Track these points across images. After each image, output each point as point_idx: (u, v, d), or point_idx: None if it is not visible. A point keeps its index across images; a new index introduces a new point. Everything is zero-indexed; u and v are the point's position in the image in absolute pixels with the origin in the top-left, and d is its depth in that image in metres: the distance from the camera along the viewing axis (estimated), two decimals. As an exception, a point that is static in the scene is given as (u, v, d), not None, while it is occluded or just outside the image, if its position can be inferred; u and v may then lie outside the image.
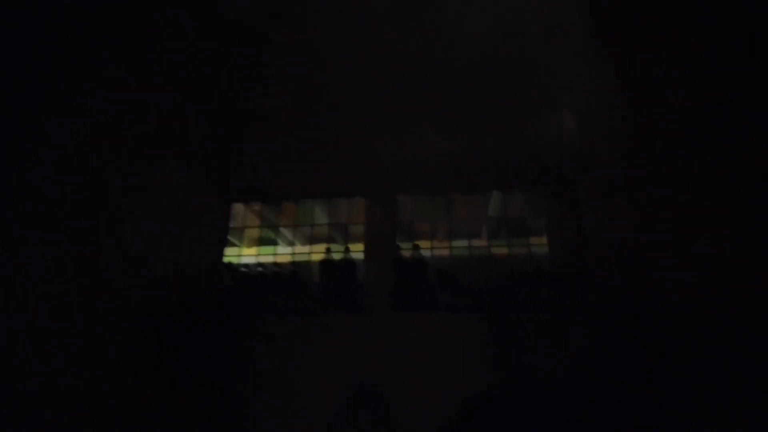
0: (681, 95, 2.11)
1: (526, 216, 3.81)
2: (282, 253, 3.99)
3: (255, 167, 3.91)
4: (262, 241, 4.03)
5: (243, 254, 4.00)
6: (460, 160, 3.65)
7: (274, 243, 4.08)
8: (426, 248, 3.69)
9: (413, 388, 2.95)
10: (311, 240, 3.98)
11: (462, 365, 2.97)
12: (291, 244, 4.10)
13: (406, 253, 3.41)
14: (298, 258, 3.89)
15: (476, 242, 3.82)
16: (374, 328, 3.17)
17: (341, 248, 3.54)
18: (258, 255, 3.97)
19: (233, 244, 4.04)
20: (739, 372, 1.73)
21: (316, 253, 3.81)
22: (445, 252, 3.73)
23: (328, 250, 3.45)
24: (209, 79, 3.43)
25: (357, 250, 3.70)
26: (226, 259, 3.82)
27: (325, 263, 3.40)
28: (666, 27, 2.15)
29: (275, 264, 3.62)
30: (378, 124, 3.70)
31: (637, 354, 2.59)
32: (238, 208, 4.11)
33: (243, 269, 3.60)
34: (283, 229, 4.10)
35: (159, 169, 3.27)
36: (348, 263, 3.39)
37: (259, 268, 3.60)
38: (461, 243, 3.76)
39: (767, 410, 1.58)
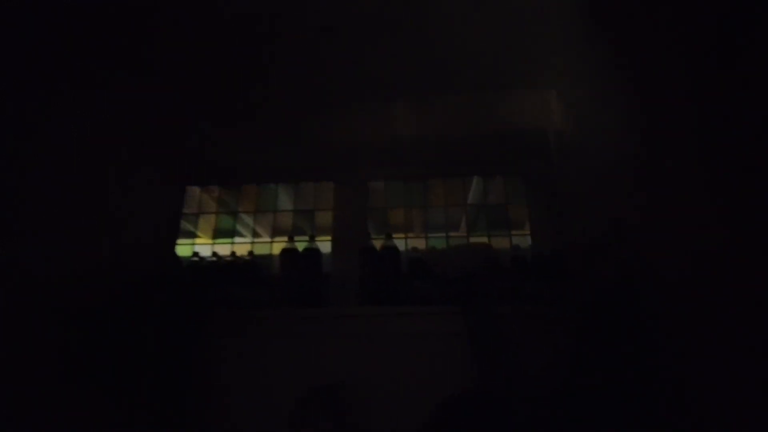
0: (681, 91, 1.94)
1: (508, 204, 3.55)
2: (241, 242, 3.63)
3: (213, 146, 3.59)
4: (219, 228, 3.68)
5: (197, 242, 3.64)
6: (439, 142, 3.40)
7: (232, 230, 3.73)
8: (399, 237, 3.40)
9: (383, 387, 2.66)
10: (273, 227, 3.65)
11: (438, 362, 2.69)
12: (251, 231, 3.75)
13: (378, 242, 3.09)
14: (258, 246, 3.54)
15: (455, 231, 3.55)
16: (341, 322, 2.85)
17: (306, 236, 3.21)
18: (214, 243, 3.62)
19: (187, 231, 3.69)
20: (739, 371, 1.57)
21: (279, 241, 3.49)
22: (421, 241, 3.44)
23: (291, 238, 3.11)
24: (166, 54, 3.11)
25: (323, 239, 3.39)
26: (178, 248, 3.51)
27: (288, 252, 3.06)
28: (668, 22, 1.99)
29: (233, 253, 3.26)
30: (349, 100, 3.42)
31: (629, 349, 2.31)
32: (194, 191, 3.76)
33: (197, 259, 3.23)
34: (243, 215, 3.74)
35: (101, 145, 2.97)
36: (313, 252, 3.06)
37: (215, 258, 3.24)
38: (438, 232, 3.49)
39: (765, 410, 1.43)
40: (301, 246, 3.09)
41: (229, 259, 3.18)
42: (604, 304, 2.52)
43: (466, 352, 2.61)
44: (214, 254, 3.24)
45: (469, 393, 2.54)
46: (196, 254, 3.24)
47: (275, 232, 3.63)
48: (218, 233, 3.67)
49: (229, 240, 3.61)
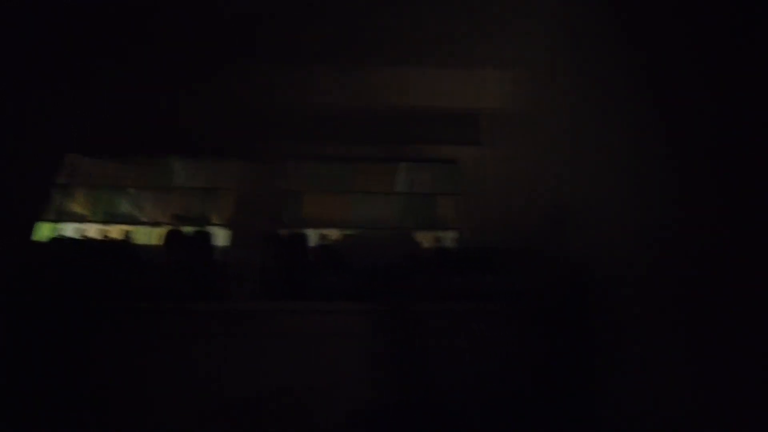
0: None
1: (437, 193, 3.27)
2: (123, 221, 3.09)
3: (100, 109, 3.03)
4: (99, 206, 3.11)
5: (73, 221, 3.06)
6: (366, 116, 3.04)
7: (116, 209, 3.18)
8: (315, 224, 3.01)
9: (287, 396, 2.29)
10: (167, 207, 3.12)
11: (351, 366, 2.34)
12: (140, 209, 3.21)
13: (287, 229, 2.69)
14: (147, 229, 3.02)
15: (378, 219, 3.21)
16: (238, 320, 2.42)
17: (202, 218, 2.73)
18: (92, 222, 3.05)
19: (60, 208, 3.11)
20: (694, 372, 1.55)
21: (169, 223, 2.97)
22: (340, 230, 3.07)
23: (182, 219, 2.62)
24: None
25: (222, 222, 2.92)
26: (46, 227, 2.92)
27: (174, 235, 2.57)
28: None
29: (109, 235, 2.72)
30: (262, 64, 2.98)
31: (563, 349, 2.22)
32: (74, 160, 3.15)
33: (69, 241, 2.68)
34: (131, 191, 3.19)
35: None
36: (204, 236, 2.59)
37: (92, 240, 2.69)
38: (360, 220, 3.14)
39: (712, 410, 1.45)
40: (194, 227, 2.63)
41: (111, 241, 2.63)
42: (545, 297, 2.33)
43: (386, 354, 2.33)
44: (83, 235, 2.69)
45: (389, 402, 2.25)
46: (61, 234, 2.67)
47: (166, 210, 3.11)
48: (97, 209, 3.10)
49: (110, 218, 3.05)
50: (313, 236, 2.74)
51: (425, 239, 3.06)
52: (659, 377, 1.69)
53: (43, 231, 2.88)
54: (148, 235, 3.00)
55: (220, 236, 2.71)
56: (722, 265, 1.43)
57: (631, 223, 1.86)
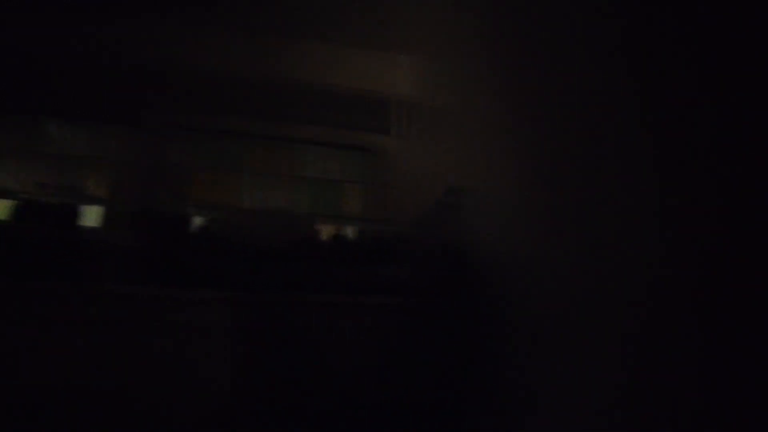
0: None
1: (345, 180, 3.15)
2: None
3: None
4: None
5: None
6: (267, 94, 2.83)
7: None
8: (203, 205, 2.78)
9: (147, 392, 2.00)
10: (32, 175, 2.74)
11: (226, 361, 2.08)
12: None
13: (169, 207, 2.44)
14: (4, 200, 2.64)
15: (276, 203, 3.03)
16: (101, 305, 2.14)
17: (74, 190, 2.41)
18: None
19: None
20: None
21: (33, 194, 2.61)
22: (230, 212, 2.86)
23: (45, 186, 2.30)
24: None
25: (97, 196, 2.61)
26: None
27: (30, 206, 2.25)
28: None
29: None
30: (152, 19, 2.67)
31: (467, 345, 2.10)
32: None
33: None
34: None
35: None
36: (67, 208, 2.29)
37: None
38: (255, 203, 2.94)
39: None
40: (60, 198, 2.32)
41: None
42: (449, 290, 2.25)
43: (267, 350, 2.17)
44: None
45: (270, 401, 2.11)
46: None
47: (29, 177, 2.73)
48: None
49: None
50: (198, 217, 2.51)
51: (328, 228, 2.93)
52: (578, 375, 1.68)
53: None
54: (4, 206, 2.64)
55: (92, 211, 2.41)
56: (640, 259, 1.40)
57: (547, 215, 1.82)
